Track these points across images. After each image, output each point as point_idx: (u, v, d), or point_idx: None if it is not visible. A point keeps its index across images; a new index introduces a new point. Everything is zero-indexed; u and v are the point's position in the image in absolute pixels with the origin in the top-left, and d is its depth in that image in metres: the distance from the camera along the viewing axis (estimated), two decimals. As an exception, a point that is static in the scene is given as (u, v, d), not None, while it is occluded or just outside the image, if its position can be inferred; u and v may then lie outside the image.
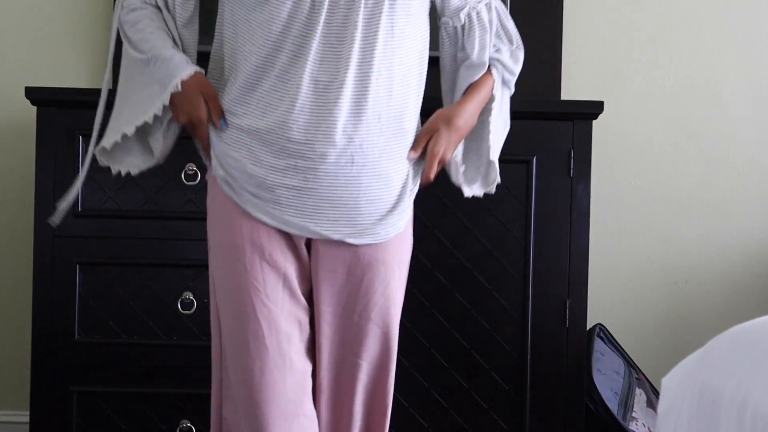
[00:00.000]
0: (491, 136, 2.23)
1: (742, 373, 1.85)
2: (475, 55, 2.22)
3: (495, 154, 2.25)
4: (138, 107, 2.14)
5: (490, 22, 2.24)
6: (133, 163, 2.19)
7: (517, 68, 2.27)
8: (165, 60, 2.13)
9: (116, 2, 2.21)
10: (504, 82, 2.26)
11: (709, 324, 3.24)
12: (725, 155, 3.30)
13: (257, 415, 2.05)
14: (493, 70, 2.24)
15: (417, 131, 2.16)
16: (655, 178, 3.29)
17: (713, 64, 3.30)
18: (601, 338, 3.11)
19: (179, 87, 2.11)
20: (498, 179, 2.25)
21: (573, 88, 3.26)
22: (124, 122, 2.14)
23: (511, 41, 2.27)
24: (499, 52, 2.24)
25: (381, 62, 2.05)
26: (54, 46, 3.23)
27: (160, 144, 2.16)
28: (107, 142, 2.15)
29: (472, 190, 2.26)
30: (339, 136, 2.02)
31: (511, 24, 2.28)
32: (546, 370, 2.85)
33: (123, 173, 2.18)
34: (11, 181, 3.22)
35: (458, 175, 2.25)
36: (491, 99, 2.23)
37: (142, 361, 2.84)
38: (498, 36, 2.26)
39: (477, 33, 2.22)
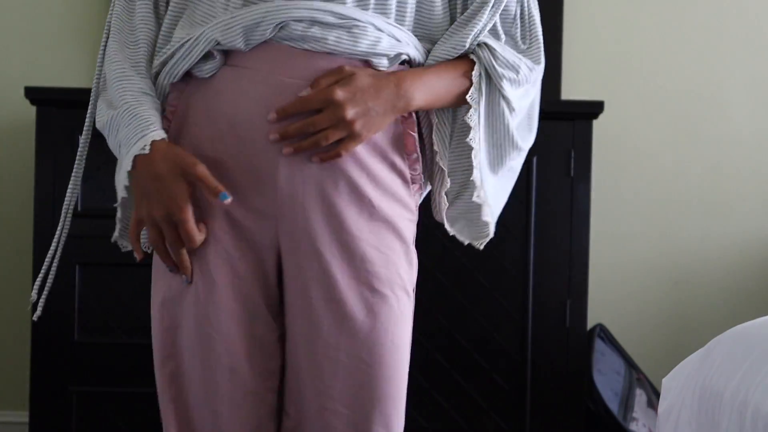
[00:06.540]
0: (477, 174, 1.59)
1: (743, 374, 1.85)
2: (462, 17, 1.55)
3: (488, 212, 1.63)
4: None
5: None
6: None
7: (519, 75, 1.56)
8: (130, 114, 1.51)
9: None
10: (489, 82, 1.55)
11: (709, 324, 3.24)
12: (725, 155, 3.30)
13: None
14: (474, 57, 1.55)
15: None
16: (655, 178, 3.29)
17: (713, 65, 3.30)
18: (602, 338, 3.11)
19: (129, 165, 1.47)
20: (490, 234, 1.67)
21: (573, 88, 3.25)
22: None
23: (524, 40, 1.60)
24: (492, 41, 1.56)
25: None
26: (54, 46, 3.23)
27: None
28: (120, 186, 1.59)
29: (454, 230, 1.68)
30: None
31: (538, 22, 1.61)
32: (546, 370, 2.85)
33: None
34: (11, 181, 3.22)
35: (440, 209, 1.63)
36: (469, 108, 1.54)
37: (141, 362, 2.83)
38: (509, 21, 1.58)
39: None
